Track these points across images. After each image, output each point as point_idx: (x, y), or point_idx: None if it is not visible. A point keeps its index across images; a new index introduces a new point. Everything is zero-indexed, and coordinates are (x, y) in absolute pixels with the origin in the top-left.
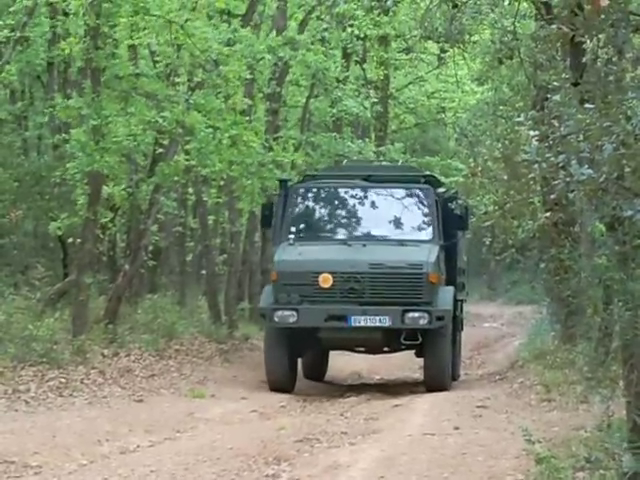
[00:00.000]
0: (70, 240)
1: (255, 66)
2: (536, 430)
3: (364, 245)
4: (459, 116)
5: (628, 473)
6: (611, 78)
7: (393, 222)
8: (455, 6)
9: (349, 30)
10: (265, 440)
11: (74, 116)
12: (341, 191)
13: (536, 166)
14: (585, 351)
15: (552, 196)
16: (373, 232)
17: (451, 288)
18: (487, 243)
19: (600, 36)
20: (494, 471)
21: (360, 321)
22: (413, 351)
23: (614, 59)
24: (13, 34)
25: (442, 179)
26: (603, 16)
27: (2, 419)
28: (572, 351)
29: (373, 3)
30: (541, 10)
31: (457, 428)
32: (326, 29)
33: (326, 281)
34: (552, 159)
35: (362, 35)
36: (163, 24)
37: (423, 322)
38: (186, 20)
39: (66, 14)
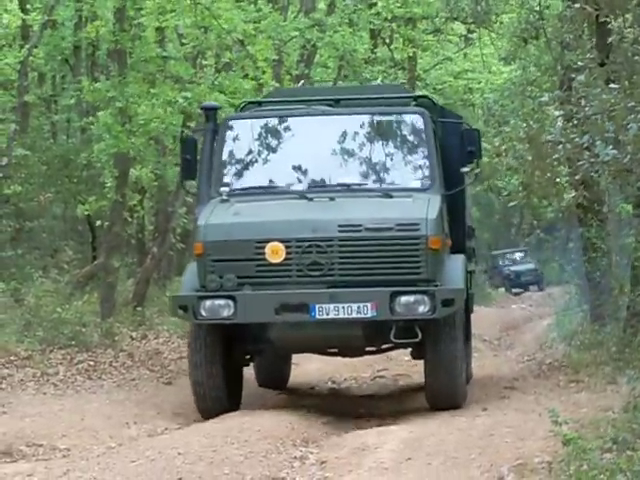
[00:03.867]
0: (98, 223)
1: (283, 48)
2: (564, 411)
3: (332, 199)
4: (486, 97)
5: None
6: (637, 58)
7: (373, 164)
8: None
9: (376, 9)
10: (293, 422)
11: (101, 99)
12: (296, 122)
13: (561, 146)
14: (613, 332)
15: (577, 176)
16: (345, 179)
17: (460, 257)
18: (515, 223)
19: (627, 16)
20: (521, 452)
21: (328, 311)
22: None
23: None
24: (41, 18)
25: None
26: None
27: (31, 402)
28: (600, 332)
29: None
30: None
31: (485, 409)
32: (354, 11)
33: (276, 253)
34: (577, 139)
35: (389, 16)
36: (189, 6)
37: (423, 310)
38: (212, 1)
39: None
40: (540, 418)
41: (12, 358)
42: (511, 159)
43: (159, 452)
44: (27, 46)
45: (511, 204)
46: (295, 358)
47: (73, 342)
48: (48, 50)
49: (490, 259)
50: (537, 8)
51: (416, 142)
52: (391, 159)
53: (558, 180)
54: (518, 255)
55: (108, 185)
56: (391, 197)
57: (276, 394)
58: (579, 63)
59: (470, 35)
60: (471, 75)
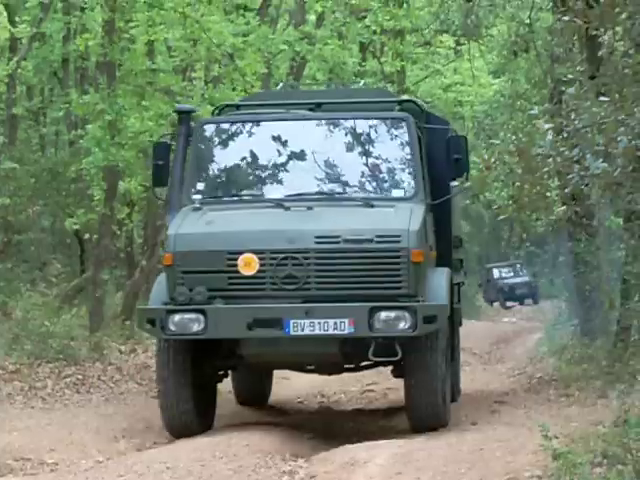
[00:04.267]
0: (87, 236)
1: (272, 60)
2: (554, 425)
3: (309, 208)
4: (476, 109)
5: None
6: (627, 71)
7: (354, 172)
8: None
9: (365, 22)
10: (281, 436)
11: (90, 111)
12: (274, 127)
13: (551, 160)
14: (604, 346)
15: (567, 190)
16: (324, 188)
17: (445, 270)
18: (504, 237)
19: (617, 29)
20: (512, 467)
21: (303, 327)
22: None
23: (630, 52)
24: (29, 30)
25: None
26: (618, 9)
27: (19, 416)
28: (591, 346)
29: None
30: (557, 2)
31: (475, 423)
32: (344, 24)
33: (249, 265)
34: (567, 152)
35: (378, 29)
36: (179, 19)
37: (403, 326)
38: (202, 15)
39: (82, 9)
40: (530, 432)
41: (0, 372)
42: (500, 172)
43: (147, 466)
44: (15, 59)
45: (500, 217)
46: (284, 372)
47: (61, 356)
48: (36, 63)
49: (484, 272)
50: (527, 21)
51: (399, 149)
52: (373, 166)
53: (548, 194)
54: (512, 268)
55: (97, 198)
56: (372, 207)
57: (266, 407)
58: (569, 76)
59: (459, 48)
60: (461, 88)
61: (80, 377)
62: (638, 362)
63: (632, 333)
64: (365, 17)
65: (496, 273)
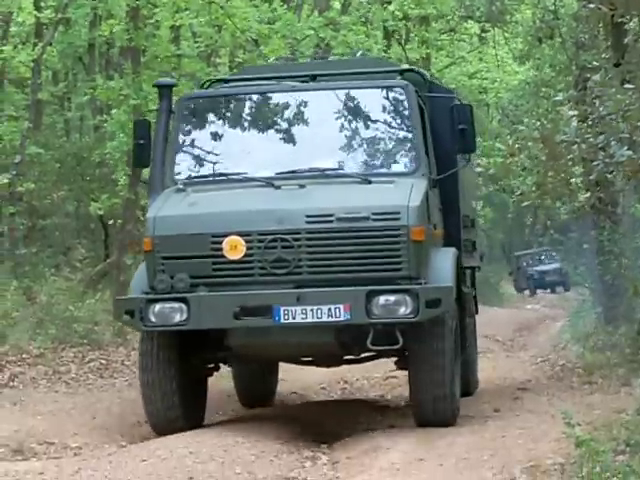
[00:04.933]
0: (111, 221)
1: (296, 47)
2: (577, 413)
3: (301, 186)
4: (501, 96)
5: None
6: None
7: (351, 146)
8: None
9: (390, 8)
10: (304, 423)
11: (115, 97)
12: (263, 100)
13: (575, 147)
14: (627, 333)
15: (591, 177)
16: (317, 164)
17: (451, 250)
18: (528, 224)
19: None
20: (534, 454)
21: (295, 315)
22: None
23: None
24: (54, 16)
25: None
26: None
27: (43, 400)
28: (614, 333)
29: None
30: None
31: (497, 410)
32: (369, 10)
33: (235, 249)
34: (591, 140)
35: (403, 15)
36: (204, 4)
37: (404, 311)
38: (226, 0)
39: None
40: (553, 420)
41: (24, 356)
42: (525, 159)
43: (170, 451)
44: (41, 44)
45: (524, 204)
46: None
47: (85, 340)
48: (62, 48)
49: (514, 260)
50: (552, 8)
51: (399, 120)
52: (371, 140)
53: (572, 180)
54: (542, 255)
55: (121, 183)
56: (369, 183)
57: (290, 393)
58: (594, 63)
59: (484, 35)
60: (486, 75)
61: (104, 362)
62: None
63: None
64: (390, 3)
65: (526, 261)
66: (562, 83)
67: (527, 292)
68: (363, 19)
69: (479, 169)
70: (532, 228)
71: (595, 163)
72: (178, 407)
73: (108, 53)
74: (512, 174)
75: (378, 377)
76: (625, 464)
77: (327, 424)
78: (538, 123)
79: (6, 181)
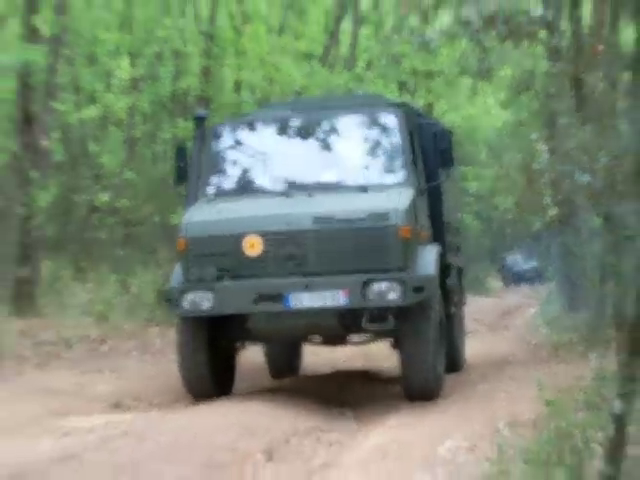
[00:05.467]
0: None
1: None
2: (547, 380)
3: (310, 195)
4: (488, 135)
5: (616, 414)
6: (605, 106)
7: (350, 162)
8: (484, 50)
9: (404, 65)
10: (336, 386)
11: (190, 135)
12: (278, 127)
13: (547, 174)
14: (585, 318)
15: (559, 197)
16: (324, 178)
17: (434, 247)
18: (509, 233)
19: (598, 73)
20: (513, 412)
21: (303, 300)
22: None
23: (608, 91)
24: (145, 72)
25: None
26: (600, 57)
27: (134, 367)
28: (575, 318)
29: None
30: (552, 52)
31: (484, 377)
32: (385, 68)
33: (253, 246)
34: (559, 168)
35: (412, 70)
36: (259, 63)
37: (393, 296)
38: (276, 60)
39: (185, 56)
40: (529, 385)
41: (120, 333)
42: (507, 183)
43: (228, 409)
44: (135, 94)
45: (508, 217)
46: None
47: (166, 320)
48: (151, 97)
49: (500, 261)
50: (528, 67)
51: (391, 140)
52: (367, 157)
53: (544, 200)
54: (522, 256)
55: None
56: (366, 191)
57: (317, 367)
58: (561, 109)
59: (476, 86)
60: (476, 118)
61: None
62: (611, 332)
63: (607, 309)
64: (400, 62)
65: (509, 261)
66: (536, 124)
67: (511, 285)
68: (382, 75)
69: (471, 190)
70: (512, 236)
71: (562, 187)
72: (208, 378)
73: (186, 101)
74: (497, 194)
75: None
76: (584, 419)
77: (350, 391)
78: (518, 155)
79: (107, 199)
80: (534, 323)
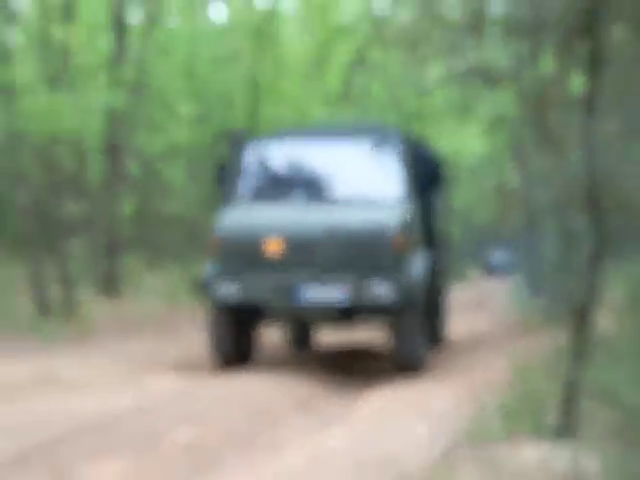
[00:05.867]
0: None
1: None
2: (515, 351)
3: (322, 207)
4: (470, 161)
5: (570, 380)
6: (563, 141)
7: (357, 180)
8: (467, 93)
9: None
10: (340, 362)
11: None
12: (299, 148)
13: (518, 194)
14: (546, 303)
15: (526, 211)
16: (335, 193)
17: (425, 253)
18: (488, 238)
19: (556, 113)
20: (489, 377)
21: (311, 294)
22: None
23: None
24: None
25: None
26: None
27: (196, 339)
28: (537, 302)
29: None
30: (520, 98)
31: (464, 350)
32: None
33: (274, 247)
34: (527, 189)
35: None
36: (292, 103)
37: (386, 296)
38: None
39: (233, 98)
40: (501, 355)
41: (184, 311)
42: (486, 201)
43: (252, 377)
44: (194, 127)
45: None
46: None
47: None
48: (206, 130)
49: (483, 258)
50: (502, 107)
51: (391, 162)
52: (371, 176)
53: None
54: (499, 253)
55: None
56: (369, 206)
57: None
58: (529, 141)
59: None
60: (461, 148)
61: None
62: (564, 314)
63: (561, 296)
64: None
65: (489, 256)
66: (509, 154)
67: (489, 275)
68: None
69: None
70: (491, 240)
71: (529, 204)
72: (231, 351)
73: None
74: (479, 209)
75: None
76: (546, 384)
77: (355, 364)
78: (495, 180)
79: (172, 209)
80: (507, 305)
